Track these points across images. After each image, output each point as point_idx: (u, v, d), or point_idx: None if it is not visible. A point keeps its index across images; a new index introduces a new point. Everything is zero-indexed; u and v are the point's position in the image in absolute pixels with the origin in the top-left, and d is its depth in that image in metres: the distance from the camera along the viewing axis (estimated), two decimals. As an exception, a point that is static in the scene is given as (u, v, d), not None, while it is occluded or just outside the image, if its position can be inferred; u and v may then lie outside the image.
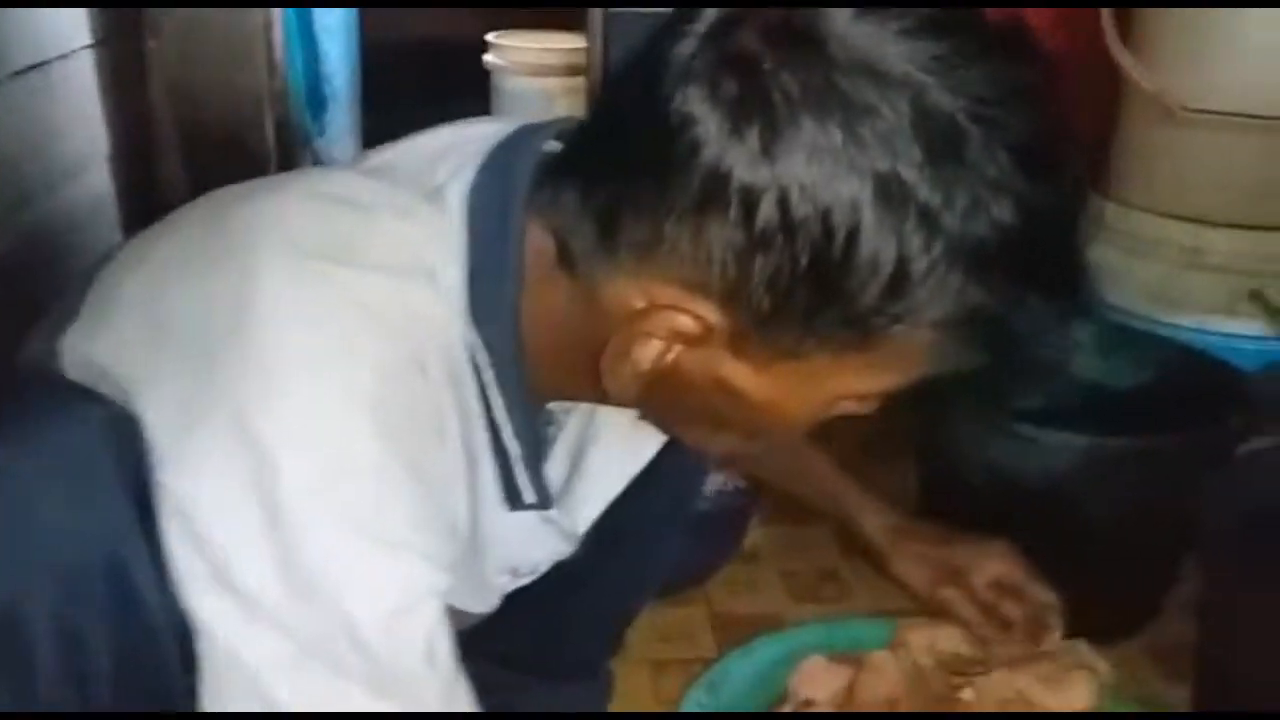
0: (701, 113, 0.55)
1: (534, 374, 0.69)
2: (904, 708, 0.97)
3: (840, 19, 0.55)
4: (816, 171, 0.54)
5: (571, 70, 3.42)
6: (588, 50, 2.68)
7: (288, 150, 2.65)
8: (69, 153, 2.02)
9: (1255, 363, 1.49)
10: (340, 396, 0.58)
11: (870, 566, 1.11)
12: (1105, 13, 1.58)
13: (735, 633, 1.34)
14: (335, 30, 2.88)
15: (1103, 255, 1.64)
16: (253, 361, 0.58)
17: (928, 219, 0.54)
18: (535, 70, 3.53)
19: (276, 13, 2.51)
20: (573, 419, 0.82)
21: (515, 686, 1.00)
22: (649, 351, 0.62)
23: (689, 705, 1.02)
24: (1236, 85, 1.49)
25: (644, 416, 0.76)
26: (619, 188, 0.61)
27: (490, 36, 3.62)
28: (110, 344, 0.65)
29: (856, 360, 0.60)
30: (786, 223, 0.55)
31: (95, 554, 0.59)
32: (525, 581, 0.88)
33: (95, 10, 2.11)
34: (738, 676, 1.07)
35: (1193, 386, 1.41)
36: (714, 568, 1.49)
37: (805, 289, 0.57)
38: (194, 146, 2.41)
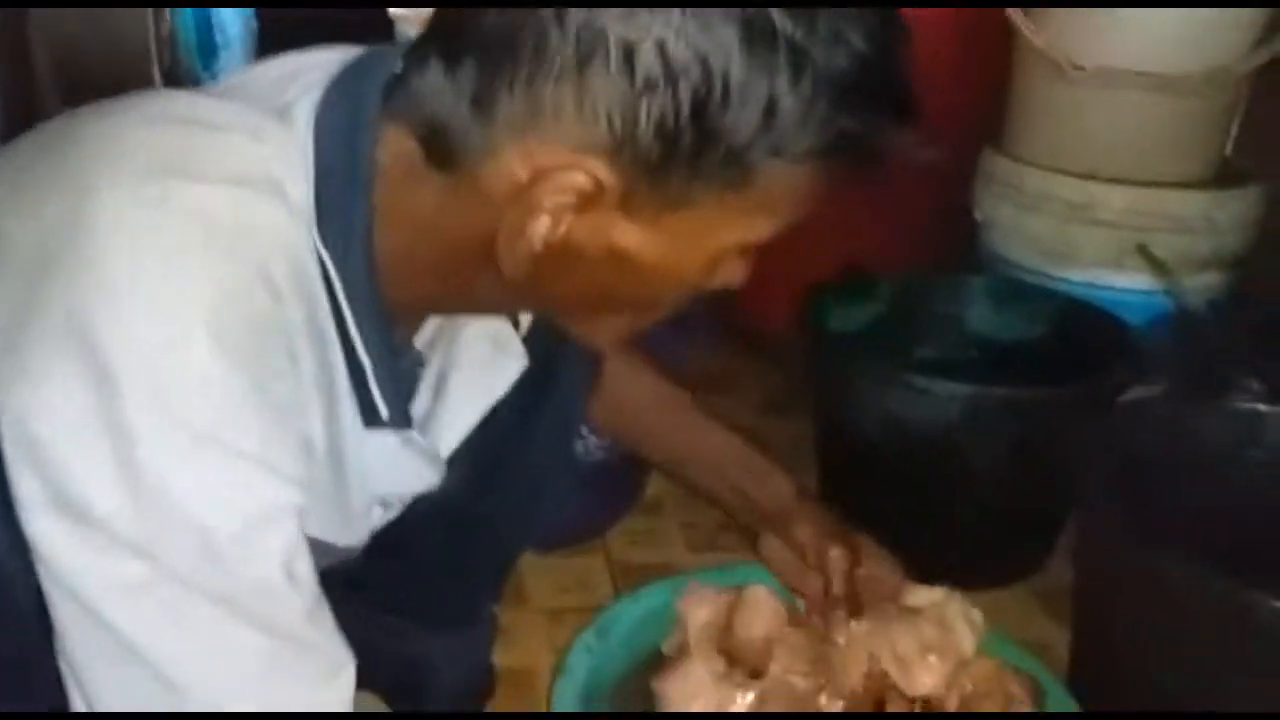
0: None
1: (401, 288, 0.68)
2: (778, 648, 0.97)
3: None
4: (690, 18, 0.57)
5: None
6: None
7: (178, 98, 2.57)
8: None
9: (1142, 316, 1.53)
10: (180, 309, 0.56)
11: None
12: (1000, -29, 1.60)
13: (633, 582, 1.34)
14: (227, -22, 2.78)
15: (996, 210, 1.66)
16: (91, 275, 0.56)
17: (794, 53, 0.58)
18: (439, 22, 3.46)
19: (164, -45, 2.43)
20: (435, 355, 0.82)
21: (393, 630, 0.98)
22: (541, 226, 0.62)
23: (578, 648, 1.01)
24: (1126, 43, 1.51)
25: (536, 308, 0.78)
26: (489, 64, 0.61)
27: (393, -14, 3.54)
28: None
29: (740, 203, 0.63)
30: (667, 69, 0.57)
31: None
32: (394, 515, 0.86)
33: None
34: (627, 619, 1.07)
35: (1081, 339, 1.44)
36: (613, 519, 1.50)
37: (689, 130, 0.59)
38: (76, 96, 2.32)
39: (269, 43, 3.23)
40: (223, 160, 0.62)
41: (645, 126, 0.59)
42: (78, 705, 0.60)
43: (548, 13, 0.58)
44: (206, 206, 0.59)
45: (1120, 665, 1.06)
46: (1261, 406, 1.18)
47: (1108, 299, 1.53)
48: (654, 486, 1.56)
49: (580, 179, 0.61)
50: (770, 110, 0.59)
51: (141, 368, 0.55)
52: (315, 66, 0.69)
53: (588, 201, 0.61)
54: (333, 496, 0.71)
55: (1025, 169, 1.62)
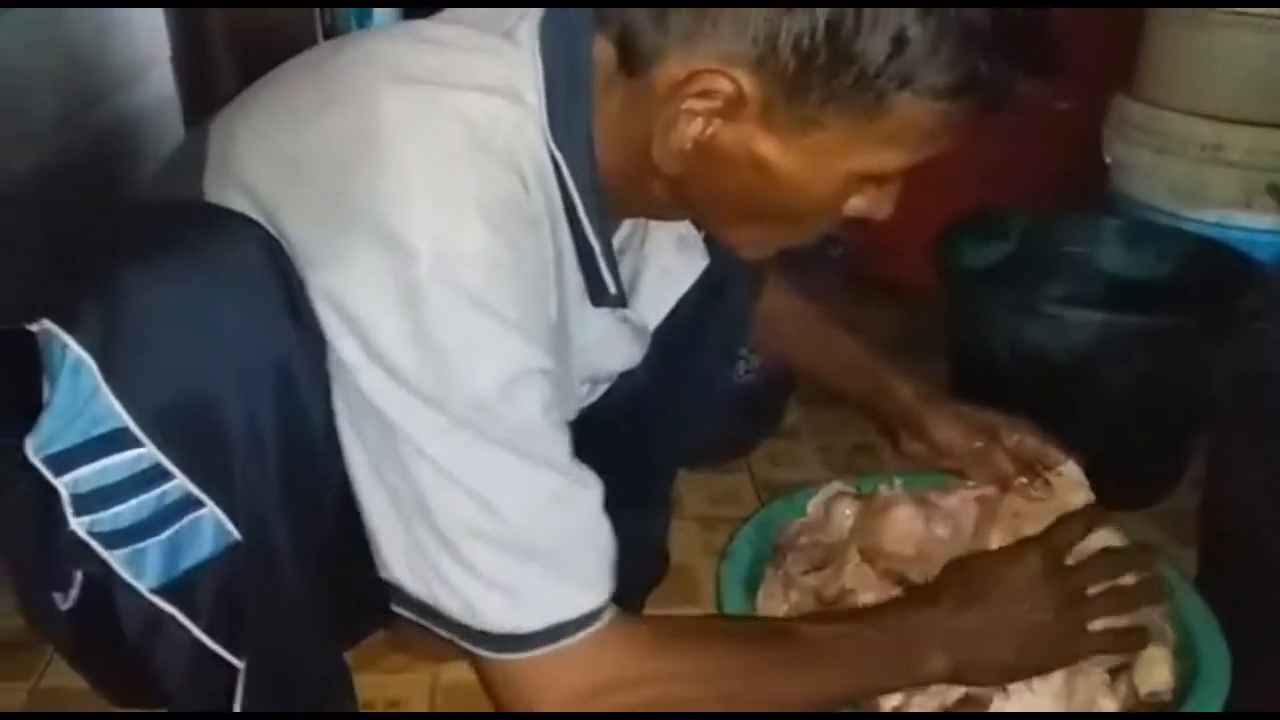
0: None
1: (606, 187, 0.79)
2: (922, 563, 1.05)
3: None
4: None
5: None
6: None
7: (335, 36, 2.72)
8: (135, 55, 2.11)
9: (1272, 254, 1.57)
10: (456, 199, 0.69)
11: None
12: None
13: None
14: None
15: (1130, 153, 1.71)
16: (385, 173, 0.69)
17: None
18: None
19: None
20: (628, 255, 0.93)
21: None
22: (692, 125, 0.72)
23: (740, 540, 1.11)
24: (1257, -13, 1.55)
25: (695, 213, 0.87)
26: None
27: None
28: (248, 181, 0.75)
29: (871, 132, 0.70)
30: None
31: (266, 360, 0.71)
32: (601, 392, 0.99)
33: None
34: (781, 518, 1.17)
35: (1211, 277, 1.49)
36: (756, 441, 1.61)
37: (824, 50, 0.66)
38: (246, 48, 2.48)
39: None
40: (475, 74, 0.74)
41: (785, 42, 0.67)
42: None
43: None
44: (468, 111, 0.72)
45: (1244, 566, 1.13)
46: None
47: (1238, 238, 1.57)
48: (793, 413, 1.67)
49: (725, 85, 0.69)
50: (899, 40, 0.65)
51: (430, 243, 0.68)
52: None
53: (732, 108, 0.70)
54: (558, 368, 0.82)
55: (1157, 111, 1.66)
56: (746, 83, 0.70)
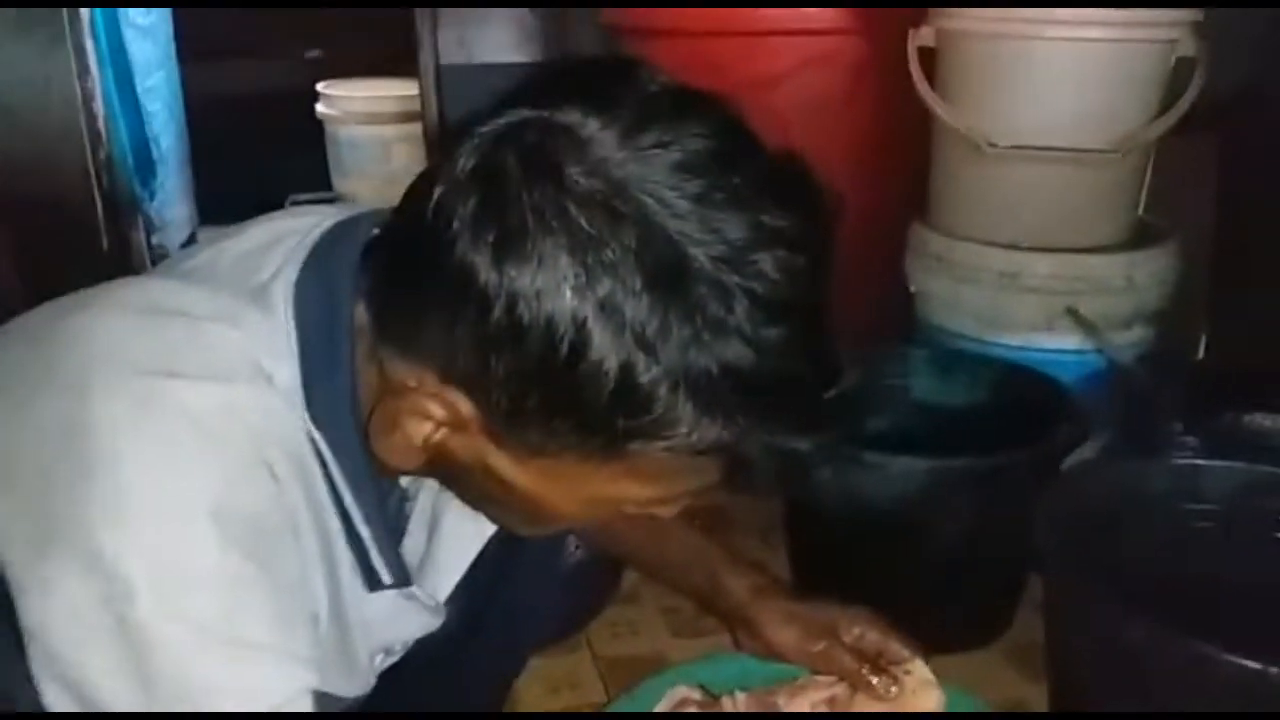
0: (457, 215, 0.59)
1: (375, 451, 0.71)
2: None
3: (607, 145, 0.58)
4: (541, 285, 0.57)
5: (406, 117, 3.41)
6: (421, 96, 2.70)
7: (117, 219, 2.58)
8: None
9: (1076, 373, 1.61)
10: (182, 510, 0.59)
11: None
12: (912, 55, 1.69)
13: (621, 676, 1.38)
14: (159, 90, 2.81)
15: (931, 282, 1.74)
16: (94, 485, 0.59)
17: (644, 345, 0.57)
18: (368, 119, 3.51)
19: (96, 80, 2.45)
20: (424, 491, 0.85)
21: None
22: (418, 428, 0.65)
23: None
24: (1034, 121, 1.60)
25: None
26: (393, 279, 0.65)
27: (321, 86, 3.59)
28: None
29: (613, 468, 0.63)
30: (513, 328, 0.58)
31: None
32: (397, 658, 0.89)
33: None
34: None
35: (1021, 401, 1.52)
36: (594, 613, 1.53)
37: (537, 393, 0.60)
38: (19, 224, 2.32)
39: (201, 156, 3.25)
40: (209, 355, 0.65)
41: (495, 378, 0.60)
42: None
43: (441, 242, 0.59)
44: (198, 405, 0.62)
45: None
46: (1199, 461, 1.26)
47: (1043, 360, 1.60)
48: (630, 576, 1.60)
49: (439, 410, 0.64)
50: (620, 394, 0.58)
51: (150, 571, 0.58)
52: (281, 240, 0.72)
53: (455, 425, 0.64)
54: (339, 656, 0.74)
55: (953, 242, 1.70)
56: (463, 406, 0.63)
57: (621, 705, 1.14)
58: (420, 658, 0.89)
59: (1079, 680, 1.17)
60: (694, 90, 0.62)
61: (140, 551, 0.58)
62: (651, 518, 1.08)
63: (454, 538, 0.86)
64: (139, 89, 2.66)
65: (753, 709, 1.02)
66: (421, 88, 2.63)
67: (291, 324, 0.67)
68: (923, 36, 1.68)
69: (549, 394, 0.60)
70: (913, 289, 1.79)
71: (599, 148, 0.58)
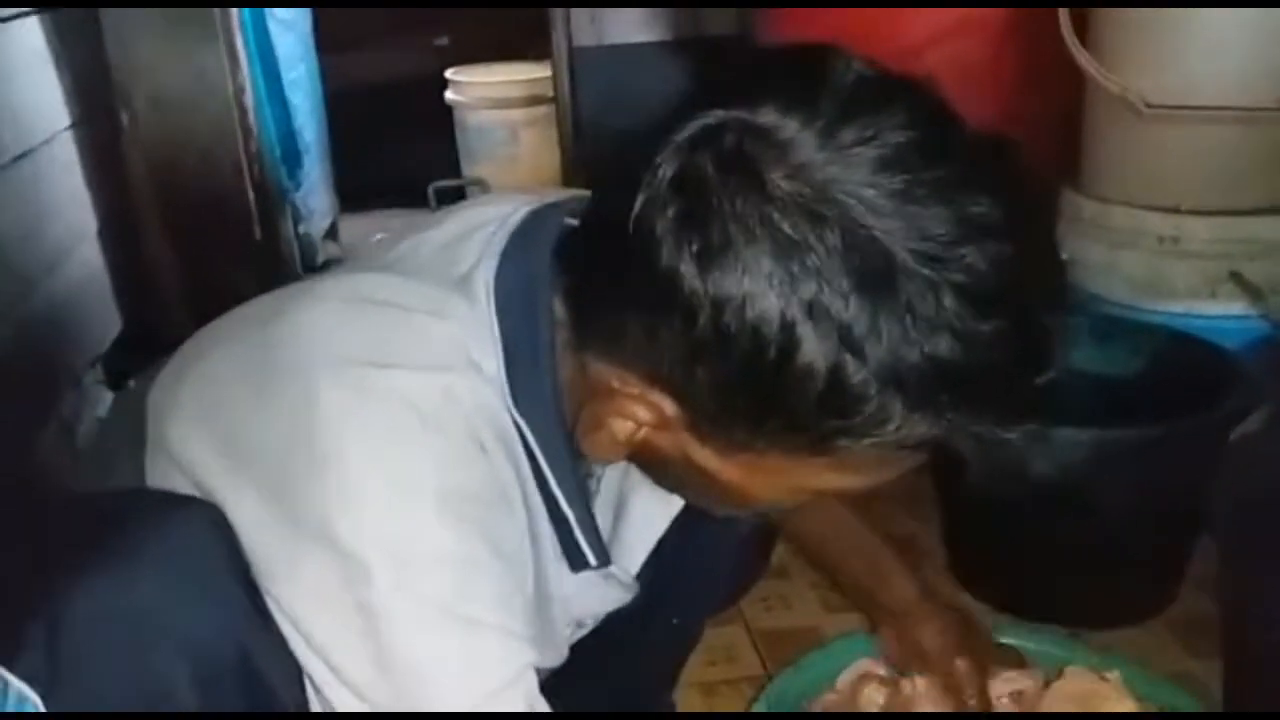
0: (659, 225, 0.59)
1: (573, 422, 0.73)
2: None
3: (807, 147, 0.57)
4: (747, 291, 0.57)
5: (534, 100, 3.45)
6: (554, 78, 2.73)
7: (267, 209, 2.68)
8: (61, 233, 2.04)
9: (1240, 340, 1.55)
10: (409, 494, 0.63)
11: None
12: (1064, 15, 1.64)
13: (777, 649, 1.40)
14: (301, 83, 2.90)
15: (1086, 250, 1.70)
16: (329, 475, 0.63)
17: (853, 345, 0.57)
18: (497, 104, 3.56)
19: (246, 75, 2.54)
20: (610, 469, 0.86)
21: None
22: (622, 427, 0.67)
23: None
24: (1195, 80, 1.54)
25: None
26: (594, 283, 0.67)
27: (449, 73, 3.65)
28: (188, 464, 0.69)
29: (818, 462, 0.64)
30: (720, 334, 0.58)
31: (226, 647, 0.64)
32: (589, 629, 0.92)
33: (73, 91, 2.13)
34: (793, 692, 1.12)
35: (1186, 370, 1.47)
36: (747, 587, 1.54)
37: (745, 396, 0.61)
38: (175, 216, 2.43)
39: (338, 145, 3.35)
40: (422, 346, 0.68)
41: (701, 383, 0.61)
42: None
43: (643, 251, 0.59)
44: (416, 393, 0.66)
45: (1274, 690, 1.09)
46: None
47: (1205, 327, 1.55)
48: (780, 551, 1.61)
49: (645, 412, 0.65)
50: (829, 394, 0.58)
51: (383, 554, 0.62)
52: (475, 229, 0.75)
53: (661, 424, 0.66)
54: (540, 628, 0.76)
55: (1110, 207, 1.65)
56: (668, 407, 0.65)
57: (788, 680, 1.15)
58: (607, 630, 0.91)
59: (1254, 654, 1.14)
60: (891, 78, 0.62)
61: (374, 536, 0.62)
62: (826, 500, 1.11)
63: (643, 516, 0.88)
64: (284, 82, 2.76)
65: (934, 691, 1.03)
66: (555, 70, 2.66)
67: (494, 316, 0.70)
68: (1074, -5, 1.64)
69: (757, 396, 0.60)
70: (1065, 257, 1.74)
71: (799, 150, 0.58)
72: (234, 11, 2.50)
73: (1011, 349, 0.59)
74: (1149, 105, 1.56)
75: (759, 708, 1.09)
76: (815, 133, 0.58)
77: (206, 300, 2.71)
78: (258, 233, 2.59)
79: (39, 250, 1.93)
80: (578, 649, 0.90)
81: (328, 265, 3.19)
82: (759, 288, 0.57)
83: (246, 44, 2.56)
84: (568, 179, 2.88)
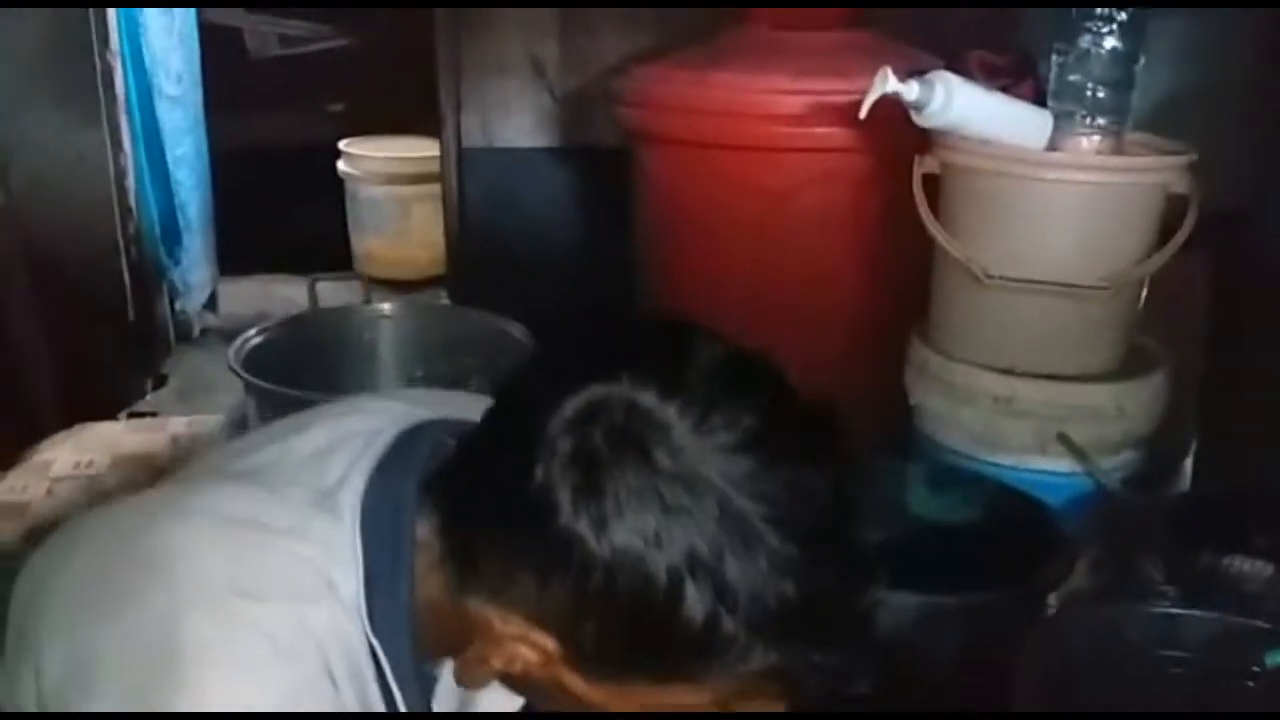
0: (558, 491, 0.67)
1: (425, 640, 0.79)
2: None
3: (678, 430, 0.67)
4: (636, 554, 0.66)
5: (426, 178, 3.49)
6: (442, 176, 2.77)
7: (144, 288, 2.66)
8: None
9: (1066, 495, 1.67)
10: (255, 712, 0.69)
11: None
12: (917, 182, 1.75)
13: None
14: (187, 158, 2.89)
15: (931, 401, 1.81)
16: (184, 696, 0.68)
17: (725, 595, 0.66)
18: (389, 179, 3.59)
19: (128, 152, 2.53)
20: (447, 671, 0.89)
21: None
22: (501, 661, 0.74)
23: None
24: (1033, 255, 1.66)
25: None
26: (483, 526, 0.73)
27: (343, 144, 3.67)
28: (41, 667, 0.72)
29: (680, 687, 0.72)
30: (611, 591, 0.66)
31: None
32: None
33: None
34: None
35: (1012, 524, 1.57)
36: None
37: (625, 639, 0.69)
38: (47, 294, 2.41)
39: (227, 225, 3.33)
40: (282, 573, 0.73)
41: (587, 631, 0.69)
42: None
43: (541, 511, 0.67)
44: (274, 627, 0.71)
45: None
46: (1175, 610, 1.32)
47: (1035, 481, 1.66)
48: None
49: (528, 652, 0.72)
50: (702, 639, 0.67)
51: None
52: (344, 442, 0.80)
53: (542, 661, 0.73)
54: None
55: (953, 364, 1.76)
56: (550, 645, 0.72)
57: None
58: None
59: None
60: (744, 359, 0.72)
61: None
62: None
63: (492, 705, 0.93)
64: (169, 159, 2.75)
65: None
66: (442, 167, 2.70)
67: (358, 537, 0.76)
68: (927, 164, 1.75)
69: (636, 640, 0.69)
70: (912, 403, 1.85)
71: (676, 434, 0.67)
72: (119, 91, 2.50)
73: (840, 581, 0.70)
74: (988, 275, 1.68)
75: None
76: (690, 422, 0.67)
77: (75, 380, 2.67)
78: (131, 313, 2.58)
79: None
80: None
81: (206, 335, 3.17)
82: (648, 549, 0.66)
83: (131, 124, 2.55)
84: (453, 261, 2.92)
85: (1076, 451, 1.68)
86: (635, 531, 0.66)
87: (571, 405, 0.68)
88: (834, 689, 0.71)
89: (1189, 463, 1.92)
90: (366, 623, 0.75)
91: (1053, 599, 1.47)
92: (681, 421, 0.67)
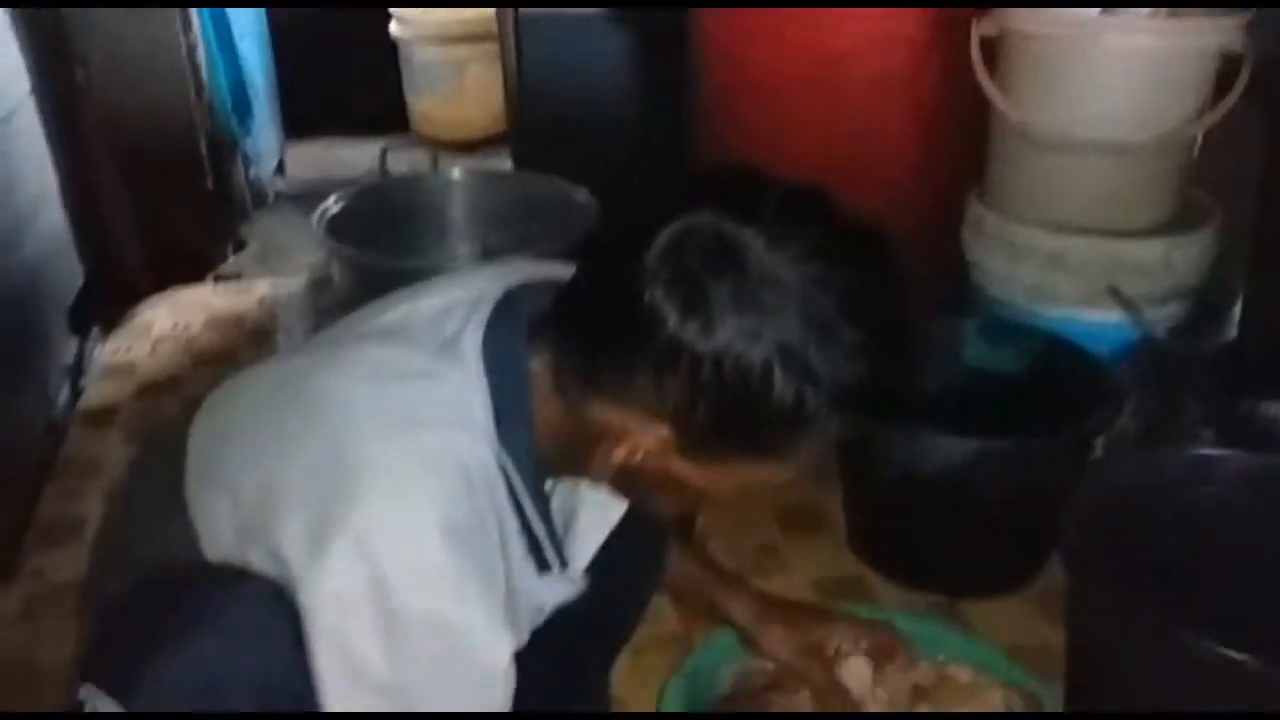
0: (665, 306, 0.81)
1: (542, 458, 0.94)
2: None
3: (755, 247, 0.81)
4: (739, 346, 0.80)
5: (479, 37, 3.50)
6: (498, 21, 2.79)
7: (219, 159, 2.76)
8: (27, 197, 2.12)
9: (1115, 345, 1.76)
10: (421, 524, 0.84)
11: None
12: (975, 44, 1.79)
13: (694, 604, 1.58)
14: (250, 31, 2.95)
15: (986, 257, 1.89)
16: (359, 507, 0.83)
17: (812, 376, 0.81)
18: (442, 39, 3.61)
19: (197, 30, 2.59)
20: (560, 486, 1.06)
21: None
22: (624, 453, 0.89)
23: (672, 690, 1.31)
24: (1086, 115, 1.71)
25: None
26: (602, 347, 0.87)
27: (393, 9, 3.67)
28: (232, 487, 0.89)
29: (772, 464, 0.89)
30: (719, 379, 0.81)
31: (282, 697, 0.85)
32: (542, 620, 1.11)
33: (31, 56, 2.19)
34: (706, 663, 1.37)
35: (1063, 373, 1.67)
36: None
37: (732, 424, 0.83)
38: (131, 170, 2.52)
39: (290, 90, 3.39)
40: (425, 408, 0.88)
41: (700, 416, 0.83)
42: None
43: (653, 325, 0.81)
44: (426, 448, 0.86)
45: (1106, 685, 1.30)
46: (1211, 451, 1.42)
47: (1085, 332, 1.75)
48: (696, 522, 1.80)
49: (650, 440, 0.87)
50: (794, 415, 0.82)
51: (402, 569, 0.83)
52: (454, 307, 0.95)
53: (660, 449, 0.87)
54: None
55: (1008, 222, 1.83)
56: (666, 433, 0.85)
57: (702, 654, 1.36)
58: (559, 618, 1.11)
59: (1094, 652, 1.35)
60: (804, 190, 0.85)
61: (392, 553, 0.83)
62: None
63: (589, 526, 1.09)
64: (234, 32, 2.81)
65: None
66: (500, 30, 2.73)
67: (484, 378, 0.90)
68: (985, 27, 1.79)
69: (738, 420, 0.83)
70: (969, 260, 1.93)
71: (756, 250, 0.81)
72: (184, -33, 2.54)
73: (899, 361, 0.85)
74: (1043, 135, 1.73)
75: (675, 688, 1.30)
76: (764, 239, 0.81)
77: (162, 249, 2.81)
78: (210, 182, 2.68)
79: (7, 217, 2.02)
80: (535, 633, 1.09)
81: (279, 199, 3.28)
82: (747, 340, 0.80)
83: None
84: (515, 124, 2.97)
85: (1126, 303, 1.75)
86: (734, 329, 0.79)
87: (665, 236, 0.81)
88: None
89: (1236, 311, 1.98)
90: (498, 444, 0.90)
91: (1099, 442, 1.57)
92: (758, 240, 0.80)
